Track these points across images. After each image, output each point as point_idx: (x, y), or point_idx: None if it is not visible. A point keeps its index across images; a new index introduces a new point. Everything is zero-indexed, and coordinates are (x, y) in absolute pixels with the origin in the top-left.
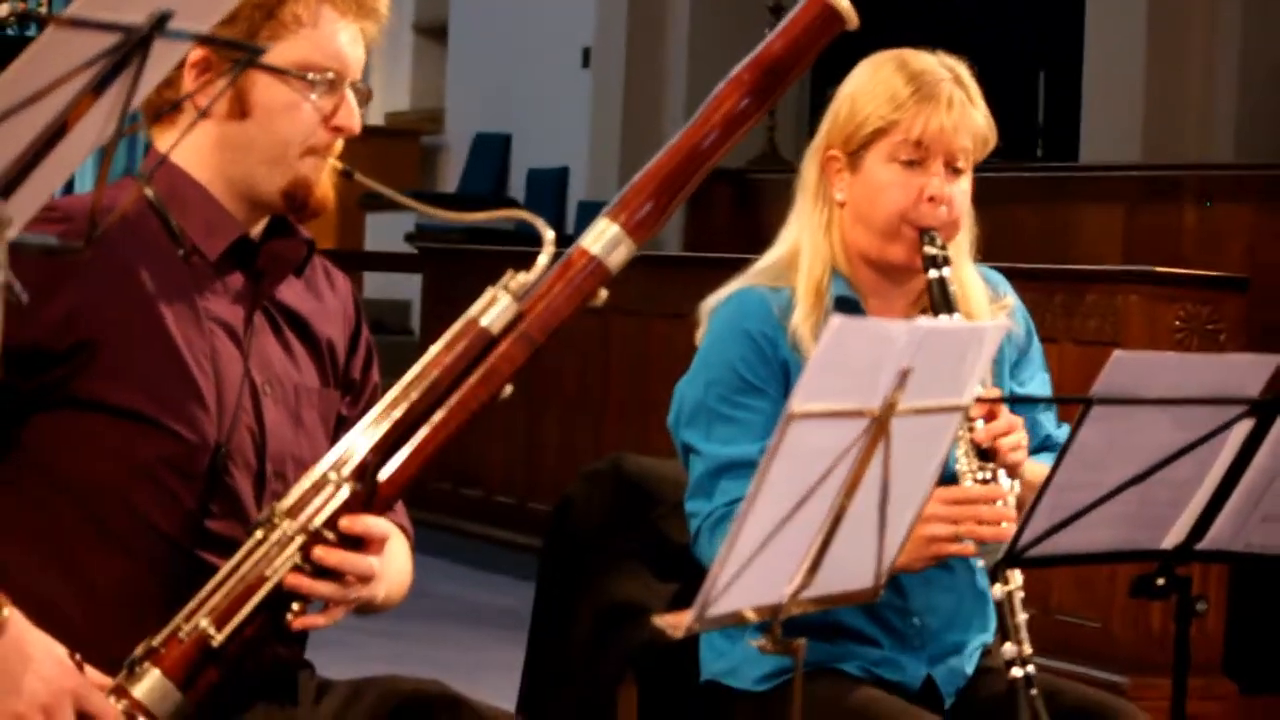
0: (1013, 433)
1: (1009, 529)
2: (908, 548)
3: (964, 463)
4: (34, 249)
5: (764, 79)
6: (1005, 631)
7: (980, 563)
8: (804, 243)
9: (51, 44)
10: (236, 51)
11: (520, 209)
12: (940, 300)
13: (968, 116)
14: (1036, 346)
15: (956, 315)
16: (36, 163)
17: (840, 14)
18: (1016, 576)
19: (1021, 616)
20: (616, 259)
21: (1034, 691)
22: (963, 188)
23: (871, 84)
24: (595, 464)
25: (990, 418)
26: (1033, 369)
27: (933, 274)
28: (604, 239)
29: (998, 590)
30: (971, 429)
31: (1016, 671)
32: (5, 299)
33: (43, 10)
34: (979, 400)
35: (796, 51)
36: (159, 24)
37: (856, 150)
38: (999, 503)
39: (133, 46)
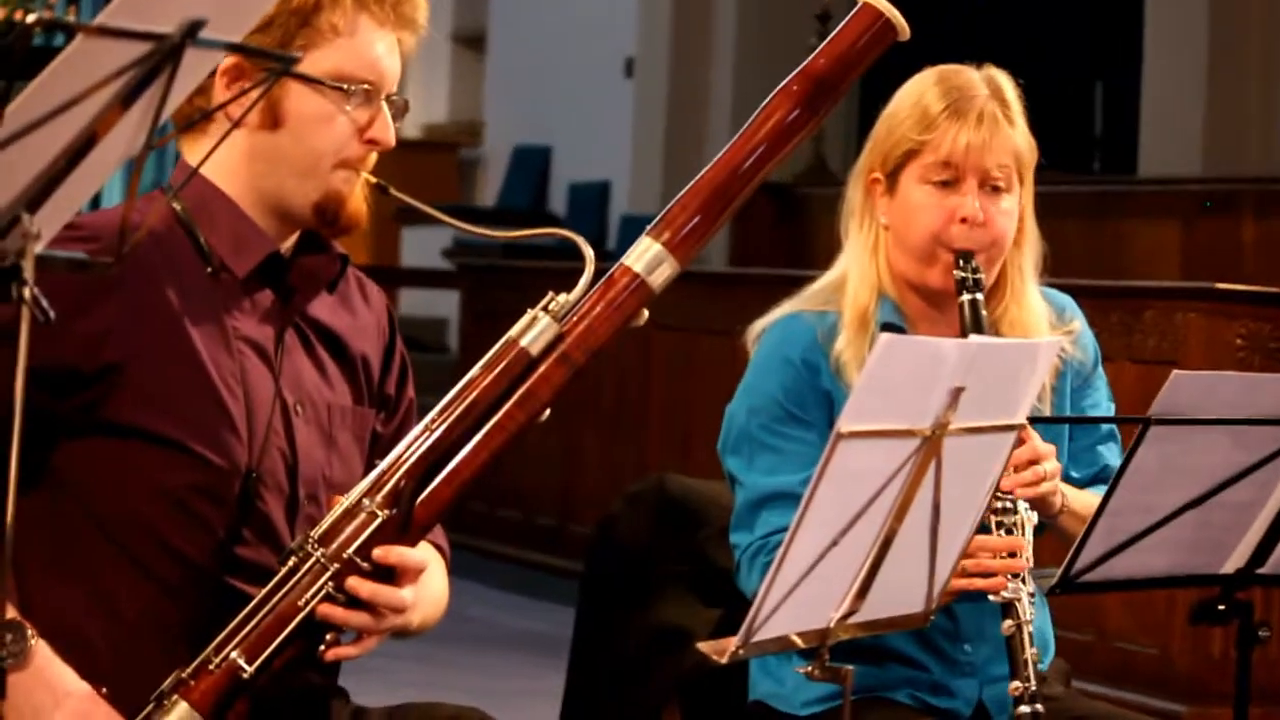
0: (1039, 462)
1: (1019, 562)
2: None
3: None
4: (62, 264)
5: (814, 91)
6: (1015, 668)
7: (1008, 625)
8: (851, 267)
9: (80, 54)
10: (270, 60)
11: (560, 226)
12: (971, 325)
13: (1001, 133)
14: (1101, 374)
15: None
16: (64, 175)
17: (892, 24)
18: (1025, 610)
19: (1030, 651)
20: (659, 278)
21: None
22: (1004, 207)
23: (907, 102)
24: (638, 485)
25: (1018, 444)
26: (1096, 396)
27: (964, 297)
28: (646, 257)
29: (1007, 625)
30: None
31: (1024, 709)
32: (32, 316)
33: (70, 18)
34: (1031, 420)
35: (847, 63)
36: (190, 33)
37: (893, 171)
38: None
39: (163, 56)
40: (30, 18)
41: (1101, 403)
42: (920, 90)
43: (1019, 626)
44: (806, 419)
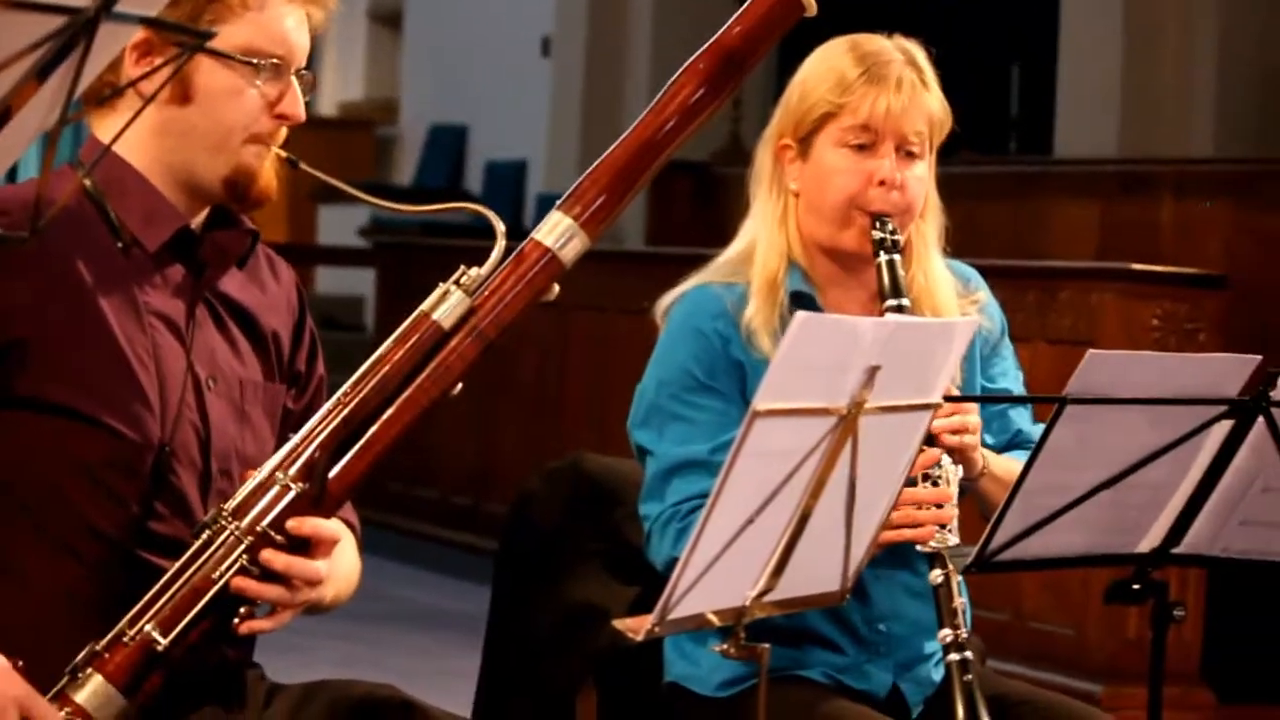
0: (966, 430)
1: (947, 512)
2: None
3: None
4: None
5: (721, 67)
6: (942, 617)
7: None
8: (759, 235)
9: None
10: (183, 35)
11: (474, 202)
12: (890, 286)
13: (919, 98)
14: (1008, 343)
15: (906, 301)
16: None
17: (800, 1)
18: (951, 560)
19: (960, 600)
20: (570, 252)
21: (969, 677)
22: (917, 173)
23: (821, 68)
24: (554, 463)
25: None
26: (1004, 364)
27: (882, 257)
28: (557, 231)
29: (935, 575)
30: None
31: (953, 656)
32: None
33: None
34: (948, 399)
35: (754, 39)
36: (105, 6)
37: (806, 136)
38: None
39: (78, 29)
40: None
41: (1010, 370)
42: (833, 56)
43: (947, 576)
44: (717, 387)
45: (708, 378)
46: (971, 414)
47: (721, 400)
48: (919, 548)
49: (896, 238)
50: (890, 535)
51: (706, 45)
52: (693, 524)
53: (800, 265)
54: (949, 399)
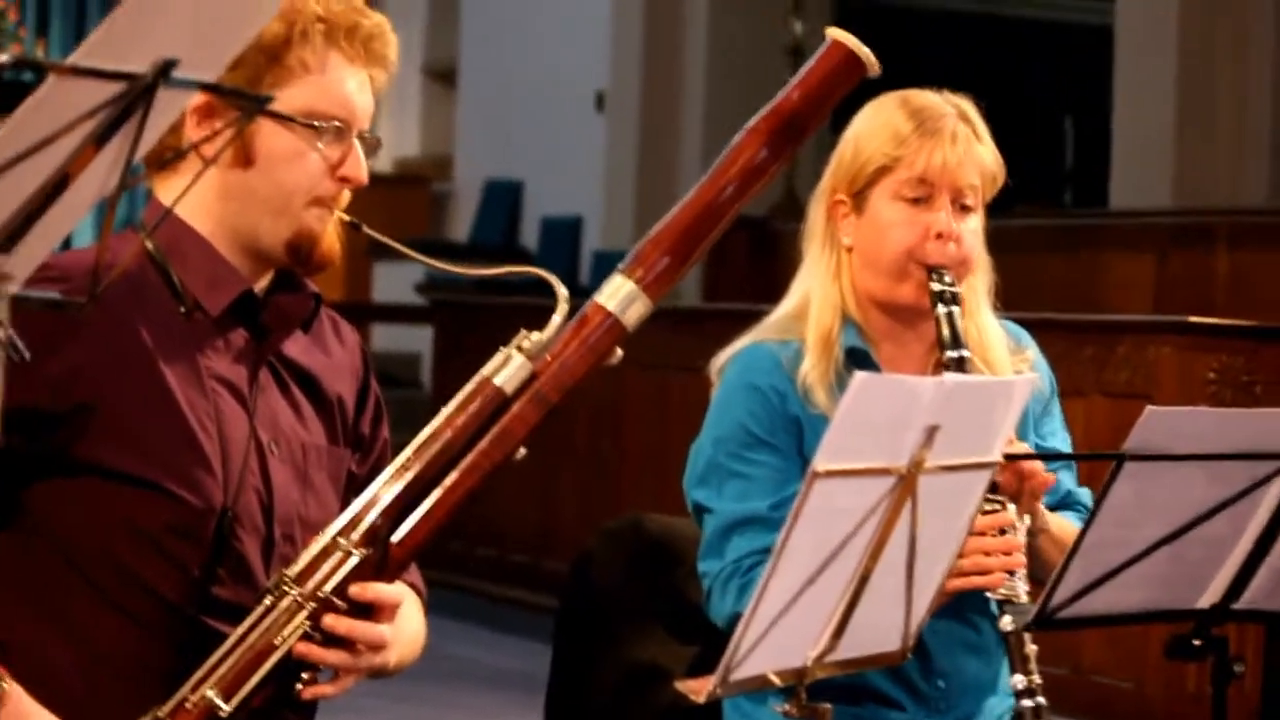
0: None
1: (1016, 560)
2: None
3: None
4: (36, 304)
5: (783, 129)
6: (1014, 663)
7: (1007, 622)
8: (813, 291)
9: (53, 93)
10: (242, 100)
11: (532, 261)
12: (950, 338)
13: (973, 152)
14: (1057, 402)
15: (966, 353)
16: (38, 216)
17: (861, 61)
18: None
19: (1032, 647)
20: (632, 316)
21: None
22: (972, 226)
23: (874, 123)
24: (614, 522)
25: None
26: (1054, 424)
27: (940, 310)
28: (620, 295)
29: (1006, 621)
30: None
31: (1026, 703)
32: (6, 357)
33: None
34: (1008, 458)
35: (816, 100)
36: (163, 72)
37: (861, 190)
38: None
39: (136, 95)
40: (2, 57)
41: (1058, 430)
42: (886, 111)
43: (1017, 623)
44: (774, 443)
45: (765, 434)
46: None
47: (779, 456)
48: (988, 595)
49: (955, 290)
50: (958, 583)
51: (767, 107)
52: (754, 580)
53: (854, 320)
54: (1009, 458)
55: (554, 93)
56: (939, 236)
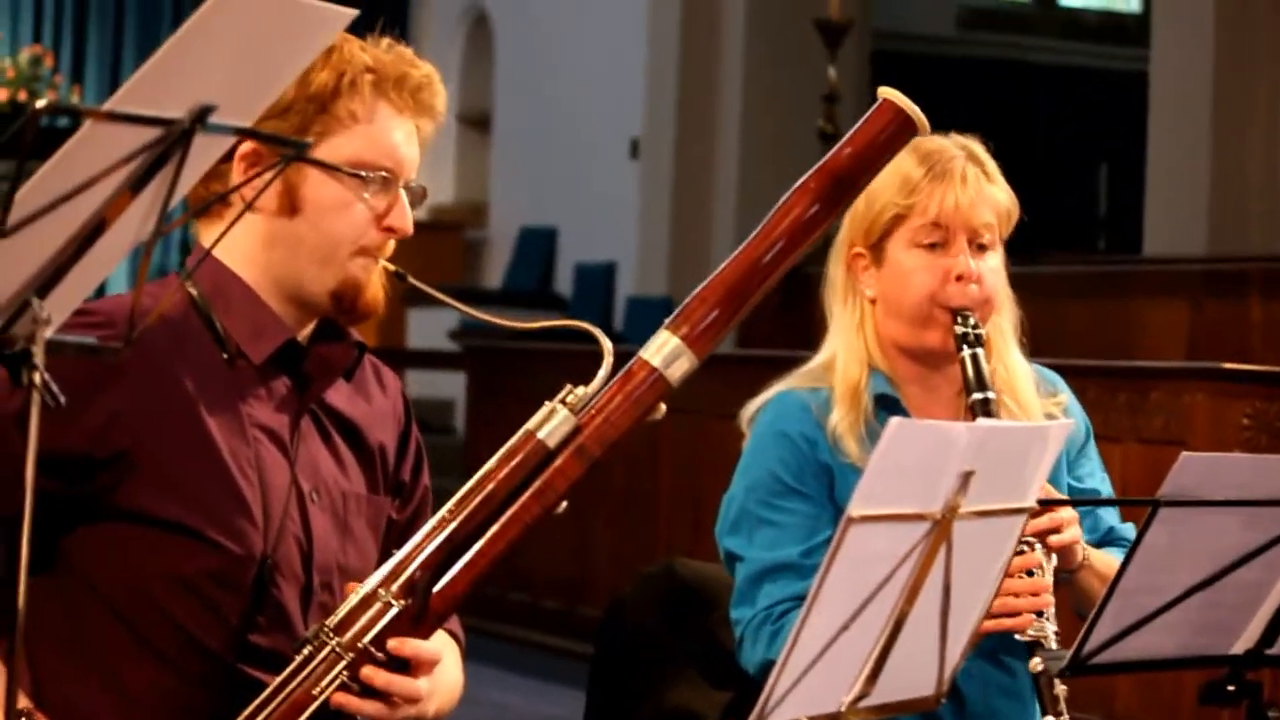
0: (1061, 529)
1: (1044, 600)
2: None
3: None
4: (72, 349)
5: (833, 187)
6: (1044, 704)
7: (1036, 663)
8: (839, 345)
9: (89, 138)
10: (282, 146)
11: (566, 306)
12: (975, 380)
13: (985, 191)
14: (1093, 444)
15: (992, 394)
16: (74, 260)
17: (912, 120)
18: (1052, 647)
19: (1061, 688)
20: (677, 372)
21: None
22: (991, 265)
23: (884, 173)
24: (648, 568)
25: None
26: (1090, 465)
27: (965, 352)
28: (665, 351)
29: (1035, 663)
30: None
31: None
32: (42, 401)
33: (75, 99)
34: (1042, 503)
35: (866, 159)
36: (200, 118)
37: (878, 241)
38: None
39: (173, 141)
40: (39, 103)
41: (1095, 471)
42: (895, 160)
43: (1046, 664)
44: (805, 491)
45: (795, 481)
46: (1070, 525)
47: (809, 504)
48: (1017, 636)
49: (979, 331)
50: (988, 625)
51: (818, 165)
52: (785, 627)
53: (881, 370)
54: (1043, 503)
55: (588, 139)
56: (959, 279)
